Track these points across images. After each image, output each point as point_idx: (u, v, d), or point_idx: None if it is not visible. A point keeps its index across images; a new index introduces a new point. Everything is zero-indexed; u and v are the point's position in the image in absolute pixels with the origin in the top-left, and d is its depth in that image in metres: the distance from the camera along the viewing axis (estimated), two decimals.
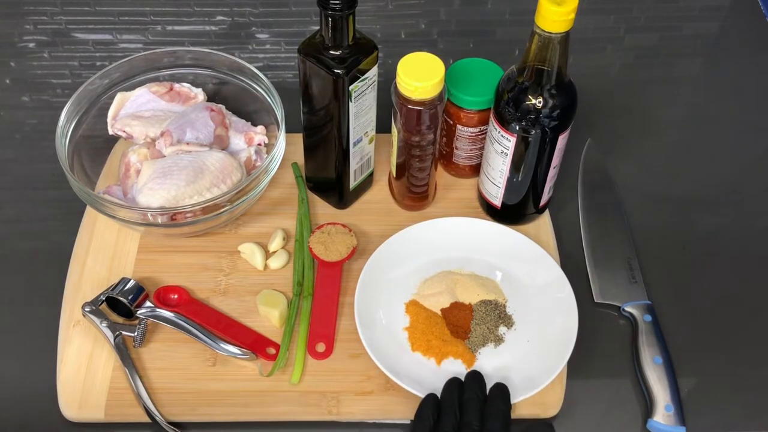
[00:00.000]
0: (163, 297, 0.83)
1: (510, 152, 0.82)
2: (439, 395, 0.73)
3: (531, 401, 0.76)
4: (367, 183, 0.92)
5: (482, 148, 0.89)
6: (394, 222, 0.89)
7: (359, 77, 0.78)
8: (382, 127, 0.88)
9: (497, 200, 0.88)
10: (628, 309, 0.84)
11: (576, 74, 0.79)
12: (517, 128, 0.79)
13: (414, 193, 0.90)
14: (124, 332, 0.80)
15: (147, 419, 0.76)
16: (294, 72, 1.08)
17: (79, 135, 0.89)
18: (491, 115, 0.82)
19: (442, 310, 0.82)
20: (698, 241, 0.92)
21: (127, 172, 0.87)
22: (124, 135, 0.91)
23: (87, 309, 0.81)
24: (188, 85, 0.94)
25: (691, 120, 1.06)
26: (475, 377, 0.75)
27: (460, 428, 0.70)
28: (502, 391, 0.73)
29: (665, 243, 0.91)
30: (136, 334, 0.79)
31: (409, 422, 0.77)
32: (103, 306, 0.82)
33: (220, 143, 0.90)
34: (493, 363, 0.79)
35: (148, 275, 0.85)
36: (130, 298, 0.80)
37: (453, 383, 0.74)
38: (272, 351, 0.80)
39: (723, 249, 0.91)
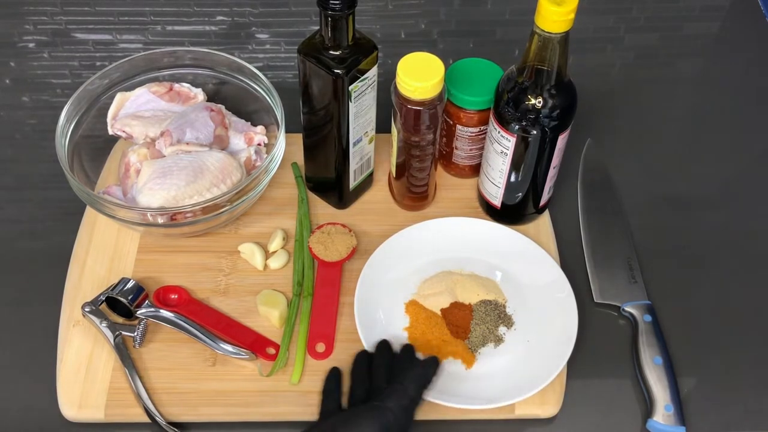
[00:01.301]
0: (163, 297, 0.83)
1: (510, 152, 0.82)
2: (335, 370, 0.77)
3: (531, 401, 0.76)
4: (367, 183, 0.92)
5: (482, 148, 0.89)
6: (394, 222, 0.89)
7: (359, 77, 0.78)
8: (382, 127, 0.88)
9: (497, 200, 0.88)
10: (628, 309, 0.84)
11: (576, 74, 0.79)
12: (517, 128, 0.79)
13: (414, 193, 0.90)
14: (124, 332, 0.80)
15: (147, 419, 0.76)
16: (294, 72, 1.08)
17: (79, 135, 0.89)
18: (491, 115, 0.82)
19: (442, 310, 0.82)
20: (698, 241, 0.92)
21: (127, 172, 0.87)
22: (124, 135, 0.91)
23: (87, 309, 0.81)
24: (188, 85, 0.94)
25: (691, 120, 1.06)
26: (383, 346, 0.77)
27: (369, 393, 0.72)
28: (408, 350, 0.76)
29: (665, 243, 0.91)
30: (136, 334, 0.79)
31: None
32: (103, 306, 0.82)
33: (220, 143, 0.90)
34: (493, 363, 0.79)
35: (148, 275, 0.85)
36: (130, 298, 0.80)
37: (361, 355, 0.77)
38: (272, 351, 0.80)
39: (723, 249, 0.91)
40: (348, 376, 0.76)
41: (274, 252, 0.88)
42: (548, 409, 0.77)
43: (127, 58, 0.92)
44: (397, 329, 0.81)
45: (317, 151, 0.88)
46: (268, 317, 0.82)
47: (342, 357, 0.80)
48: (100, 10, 1.15)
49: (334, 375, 0.76)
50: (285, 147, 0.87)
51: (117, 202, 0.84)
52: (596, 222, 0.91)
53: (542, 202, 0.89)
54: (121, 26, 1.13)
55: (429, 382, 0.72)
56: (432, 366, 0.73)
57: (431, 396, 0.73)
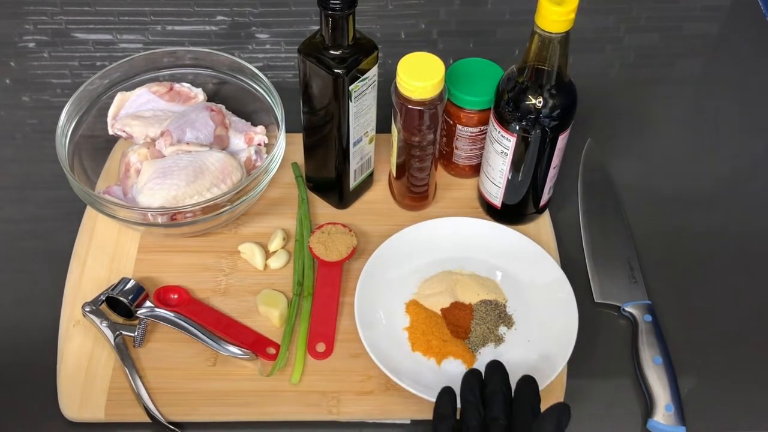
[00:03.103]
0: (163, 297, 0.83)
1: (510, 152, 0.82)
2: (450, 391, 0.69)
3: None
4: (367, 183, 0.92)
5: (482, 148, 0.89)
6: (394, 222, 0.89)
7: (359, 77, 0.78)
8: (382, 127, 0.88)
9: (497, 200, 0.88)
10: (628, 309, 0.84)
11: (576, 74, 0.79)
12: (517, 128, 0.79)
13: (414, 193, 0.90)
14: (124, 332, 0.80)
15: (147, 419, 0.76)
16: (294, 72, 1.08)
17: (79, 135, 0.89)
18: (491, 115, 0.82)
19: (442, 310, 0.82)
20: (698, 241, 0.92)
21: (127, 172, 0.87)
22: (124, 135, 0.91)
23: (87, 309, 0.81)
24: (188, 85, 0.94)
25: (691, 120, 1.06)
26: (497, 368, 0.69)
27: (485, 425, 0.65)
28: (529, 383, 0.68)
29: (665, 243, 0.91)
30: (136, 334, 0.79)
31: (408, 422, 0.77)
32: (103, 306, 0.82)
33: (220, 143, 0.90)
34: None
35: (148, 275, 0.85)
36: (130, 298, 0.80)
37: (472, 376, 0.69)
38: (272, 351, 0.80)
39: (723, 249, 0.91)
40: (459, 398, 0.69)
41: (274, 252, 0.88)
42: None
43: (127, 58, 0.92)
44: (397, 329, 0.81)
45: (317, 151, 0.88)
46: (268, 317, 0.82)
47: (342, 357, 0.80)
48: (100, 10, 1.15)
49: (448, 396, 0.68)
50: (285, 147, 0.87)
51: (117, 202, 0.84)
52: (596, 222, 0.91)
53: (542, 202, 0.89)
54: (121, 26, 1.13)
55: (565, 425, 0.64)
56: (564, 411, 0.64)
57: (431, 396, 0.73)
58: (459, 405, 0.68)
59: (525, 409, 0.66)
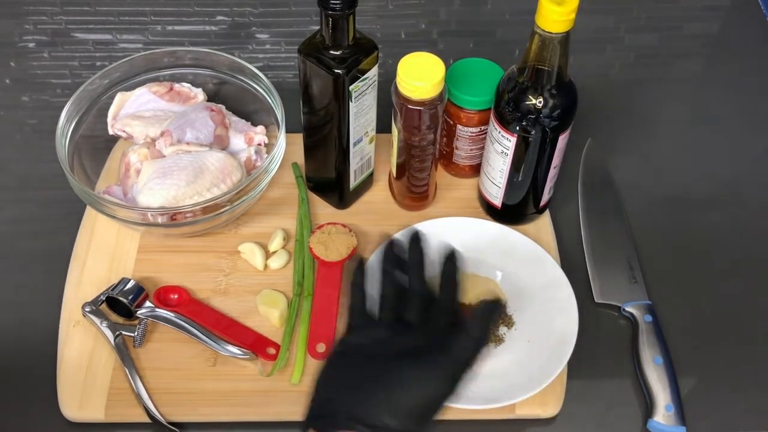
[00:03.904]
0: (163, 297, 0.83)
1: (510, 152, 0.82)
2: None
3: (531, 401, 0.76)
4: (367, 183, 0.92)
5: (482, 148, 0.89)
6: (395, 222, 0.89)
7: (359, 77, 0.78)
8: (382, 127, 0.88)
9: (497, 200, 0.88)
10: (629, 309, 0.84)
11: (576, 74, 0.79)
12: (518, 128, 0.79)
13: (414, 193, 0.90)
14: (124, 332, 0.80)
15: (147, 419, 0.76)
16: (294, 72, 1.07)
17: (79, 135, 0.89)
18: (491, 115, 0.82)
19: None
20: (698, 241, 0.92)
21: (127, 172, 0.87)
22: (124, 135, 0.91)
23: (87, 309, 0.81)
24: (188, 85, 0.94)
25: (691, 120, 1.06)
26: (413, 236, 0.65)
27: (407, 297, 0.63)
28: (450, 252, 0.64)
29: (665, 243, 0.91)
30: (136, 334, 0.79)
31: None
32: (103, 306, 0.82)
33: (220, 143, 0.90)
34: (493, 363, 0.79)
35: (148, 275, 0.85)
36: (130, 298, 0.80)
37: (389, 245, 0.65)
38: (272, 351, 0.80)
39: (723, 249, 0.91)
40: (377, 269, 0.65)
41: (274, 252, 0.88)
42: (548, 409, 0.77)
43: (127, 58, 0.92)
44: None
45: (317, 151, 0.88)
46: (268, 317, 0.82)
47: None
48: (100, 10, 1.15)
49: (360, 268, 0.64)
50: (285, 147, 0.87)
51: (117, 202, 0.84)
52: (596, 222, 0.91)
53: (543, 202, 0.89)
54: (121, 26, 1.13)
55: (492, 321, 0.62)
56: (495, 308, 0.60)
57: None
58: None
59: (448, 284, 0.63)
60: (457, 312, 0.62)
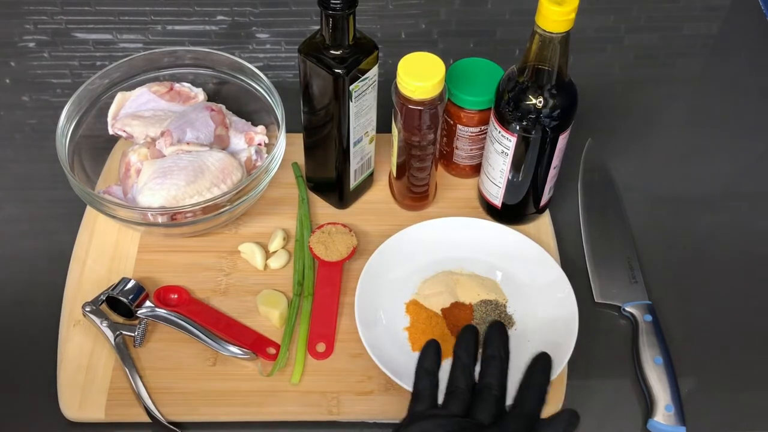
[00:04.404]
0: (163, 297, 0.83)
1: (510, 152, 0.82)
2: (436, 346, 0.63)
3: None
4: (367, 183, 0.92)
5: (482, 148, 0.89)
6: (394, 222, 0.89)
7: (360, 77, 0.78)
8: (382, 127, 0.88)
9: (497, 200, 0.88)
10: (629, 309, 0.84)
11: (576, 74, 0.79)
12: (518, 128, 0.79)
13: (414, 193, 0.90)
14: (124, 332, 0.80)
15: (147, 419, 0.76)
16: (294, 72, 1.08)
17: (79, 135, 0.89)
18: (492, 115, 0.82)
19: (443, 310, 0.82)
20: (698, 241, 0.92)
21: (127, 172, 0.87)
22: (124, 135, 0.91)
23: (87, 309, 0.81)
24: (188, 84, 0.94)
25: (691, 120, 1.06)
26: (498, 330, 0.62)
27: (478, 390, 0.60)
28: (543, 362, 0.60)
29: (665, 243, 0.91)
30: (136, 334, 0.79)
31: None
32: (104, 306, 0.82)
33: (221, 143, 0.90)
34: None
35: (148, 275, 0.85)
36: (130, 298, 0.80)
37: (469, 333, 0.62)
38: (272, 351, 0.80)
39: (723, 249, 0.91)
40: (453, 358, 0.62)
41: (274, 252, 0.88)
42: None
43: (127, 58, 0.92)
44: (397, 329, 0.81)
45: (318, 151, 0.88)
46: (268, 317, 0.82)
47: (342, 357, 0.80)
48: (100, 9, 1.15)
49: (435, 350, 0.61)
50: (285, 147, 0.87)
51: (117, 201, 0.84)
52: (596, 222, 0.91)
53: (543, 202, 0.89)
54: (121, 26, 1.13)
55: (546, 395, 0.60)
56: (574, 418, 0.58)
57: None
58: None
59: (533, 394, 0.59)
60: (534, 426, 0.58)
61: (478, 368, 0.63)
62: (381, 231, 0.88)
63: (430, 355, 0.62)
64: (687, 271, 0.89)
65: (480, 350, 0.63)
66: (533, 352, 0.79)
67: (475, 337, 0.63)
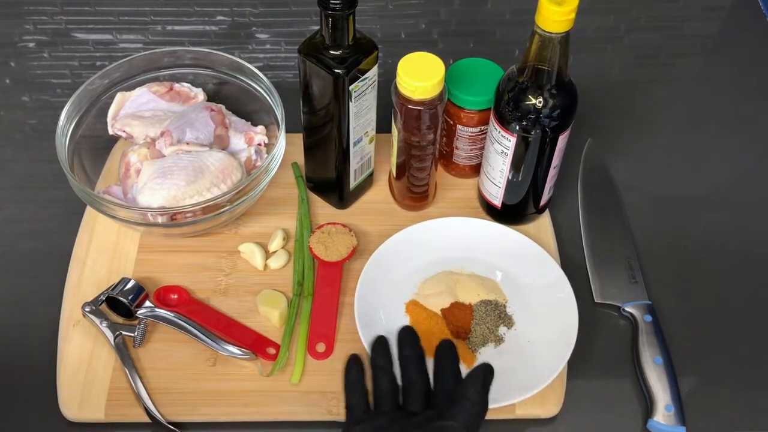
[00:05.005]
0: (163, 297, 0.83)
1: (510, 152, 0.82)
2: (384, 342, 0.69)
3: (531, 401, 0.76)
4: (367, 183, 0.92)
5: (482, 148, 0.89)
6: (394, 222, 0.89)
7: (359, 77, 0.78)
8: (382, 127, 0.88)
9: (497, 200, 0.88)
10: (629, 309, 0.84)
11: (576, 74, 0.79)
12: (518, 128, 0.79)
13: (414, 193, 0.90)
14: (124, 332, 0.80)
15: (147, 419, 0.76)
16: (294, 72, 1.08)
17: (79, 135, 0.89)
18: (491, 115, 0.82)
19: (443, 310, 0.82)
20: (698, 241, 0.92)
21: (127, 172, 0.87)
22: (124, 135, 0.91)
23: (87, 309, 0.81)
24: (188, 85, 0.94)
25: (691, 120, 1.06)
26: (409, 332, 0.70)
27: (404, 389, 0.66)
28: (448, 348, 0.68)
29: (665, 243, 0.91)
30: (136, 334, 0.79)
31: None
32: (103, 306, 0.82)
33: (220, 143, 0.90)
34: (493, 363, 0.78)
35: (148, 275, 0.85)
36: (130, 298, 0.80)
37: (381, 344, 0.69)
38: (272, 351, 0.80)
39: (723, 249, 0.91)
40: (368, 367, 0.68)
41: (274, 252, 0.88)
42: (549, 409, 0.77)
43: (127, 58, 0.92)
44: (397, 329, 0.81)
45: (317, 151, 0.88)
46: (268, 317, 0.82)
47: (342, 357, 0.80)
48: (100, 10, 1.15)
49: (356, 365, 0.68)
50: (285, 147, 0.87)
51: (117, 202, 0.84)
52: (596, 222, 0.91)
53: (542, 202, 0.89)
54: (121, 26, 1.13)
55: (489, 385, 0.65)
56: (488, 371, 0.65)
57: None
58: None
59: (447, 374, 0.66)
60: (454, 393, 0.64)
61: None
62: (381, 231, 0.88)
63: (353, 369, 0.68)
64: (687, 271, 0.89)
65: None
66: (534, 352, 0.79)
67: (386, 344, 0.69)
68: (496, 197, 0.88)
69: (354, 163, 0.87)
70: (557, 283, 0.83)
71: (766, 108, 1.06)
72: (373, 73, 0.80)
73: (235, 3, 1.16)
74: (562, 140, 0.81)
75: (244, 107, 0.95)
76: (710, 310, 0.86)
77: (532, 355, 0.79)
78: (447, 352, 0.68)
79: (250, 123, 0.94)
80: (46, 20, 1.14)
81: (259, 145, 0.91)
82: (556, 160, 0.83)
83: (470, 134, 0.89)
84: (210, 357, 0.80)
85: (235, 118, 0.94)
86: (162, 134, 0.87)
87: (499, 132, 0.81)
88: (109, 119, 0.92)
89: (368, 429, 0.62)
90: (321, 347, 0.80)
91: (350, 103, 0.79)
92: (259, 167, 0.84)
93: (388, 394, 0.66)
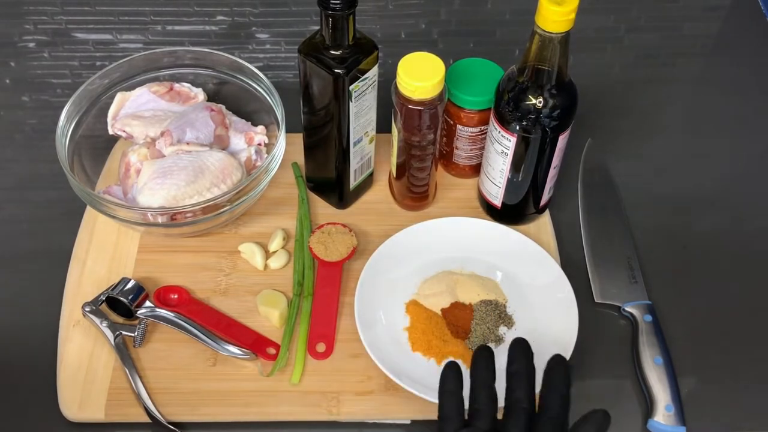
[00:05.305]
0: (163, 297, 0.83)
1: (510, 152, 0.82)
2: (455, 367, 0.63)
3: None
4: (367, 183, 0.92)
5: (482, 148, 0.89)
6: (394, 222, 0.89)
7: (359, 77, 0.78)
8: (382, 127, 0.88)
9: (497, 200, 0.88)
10: (629, 309, 0.84)
11: (576, 74, 0.79)
12: (518, 128, 0.79)
13: (414, 193, 0.90)
14: (124, 332, 0.80)
15: (147, 419, 0.76)
16: (294, 72, 1.08)
17: (79, 135, 0.89)
18: (491, 115, 0.82)
19: (443, 310, 0.82)
20: (698, 241, 0.92)
21: (127, 172, 0.87)
22: (124, 135, 0.91)
23: (87, 309, 0.81)
24: (188, 85, 0.94)
25: (691, 120, 1.06)
26: (520, 345, 0.63)
27: (507, 407, 0.61)
28: (560, 365, 0.61)
29: (665, 243, 0.91)
30: (136, 334, 0.79)
31: (409, 422, 0.77)
32: (103, 306, 0.82)
33: (220, 143, 0.90)
34: None
35: (148, 275, 0.85)
36: (130, 298, 0.80)
37: (485, 353, 0.63)
38: (272, 351, 0.80)
39: (723, 249, 0.91)
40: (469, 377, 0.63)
41: (274, 252, 0.88)
42: None
43: (127, 58, 0.92)
44: (397, 329, 0.81)
45: (317, 151, 0.88)
46: (268, 317, 0.82)
47: (342, 357, 0.80)
48: (100, 10, 1.15)
49: (454, 372, 0.62)
50: (285, 147, 0.87)
51: (117, 202, 0.84)
52: (596, 222, 0.91)
53: (543, 202, 0.89)
54: (121, 26, 1.13)
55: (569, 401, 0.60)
56: (605, 420, 0.59)
57: (431, 396, 0.73)
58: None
59: (555, 399, 0.60)
60: (564, 430, 0.59)
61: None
62: (381, 231, 0.88)
63: (450, 376, 0.63)
64: (687, 271, 0.89)
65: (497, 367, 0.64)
66: (534, 352, 0.79)
67: (491, 355, 0.64)
68: (496, 197, 0.88)
69: (354, 163, 0.87)
70: (557, 283, 0.83)
71: (766, 108, 1.06)
72: (373, 73, 0.80)
73: (235, 3, 1.16)
74: (562, 140, 0.81)
75: (244, 107, 0.95)
76: (710, 310, 0.86)
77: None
78: (557, 372, 0.61)
79: (250, 123, 0.94)
80: (46, 20, 1.14)
81: (259, 145, 0.91)
82: (556, 160, 0.83)
83: (470, 134, 0.89)
84: (210, 357, 0.80)
85: (235, 118, 0.94)
86: (162, 134, 0.87)
87: (499, 132, 0.81)
88: (109, 119, 0.92)
89: None
90: (321, 347, 0.80)
91: (350, 103, 0.79)
92: (259, 167, 0.84)
93: (487, 409, 0.60)
